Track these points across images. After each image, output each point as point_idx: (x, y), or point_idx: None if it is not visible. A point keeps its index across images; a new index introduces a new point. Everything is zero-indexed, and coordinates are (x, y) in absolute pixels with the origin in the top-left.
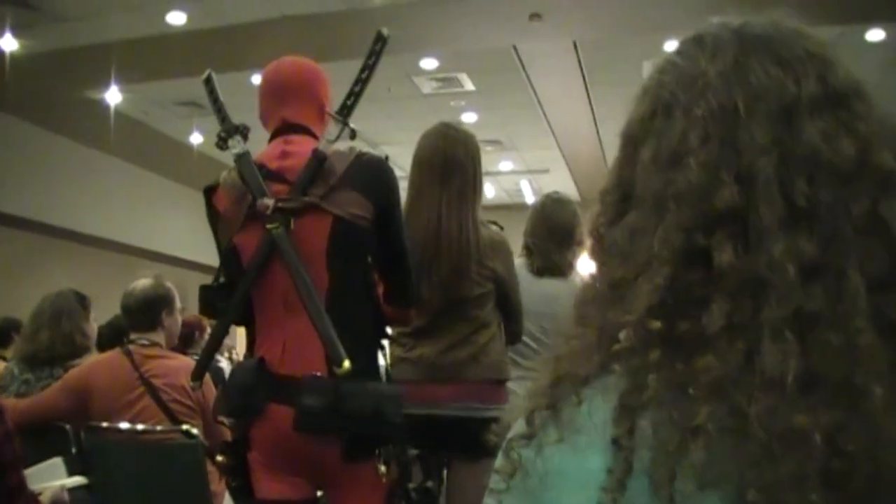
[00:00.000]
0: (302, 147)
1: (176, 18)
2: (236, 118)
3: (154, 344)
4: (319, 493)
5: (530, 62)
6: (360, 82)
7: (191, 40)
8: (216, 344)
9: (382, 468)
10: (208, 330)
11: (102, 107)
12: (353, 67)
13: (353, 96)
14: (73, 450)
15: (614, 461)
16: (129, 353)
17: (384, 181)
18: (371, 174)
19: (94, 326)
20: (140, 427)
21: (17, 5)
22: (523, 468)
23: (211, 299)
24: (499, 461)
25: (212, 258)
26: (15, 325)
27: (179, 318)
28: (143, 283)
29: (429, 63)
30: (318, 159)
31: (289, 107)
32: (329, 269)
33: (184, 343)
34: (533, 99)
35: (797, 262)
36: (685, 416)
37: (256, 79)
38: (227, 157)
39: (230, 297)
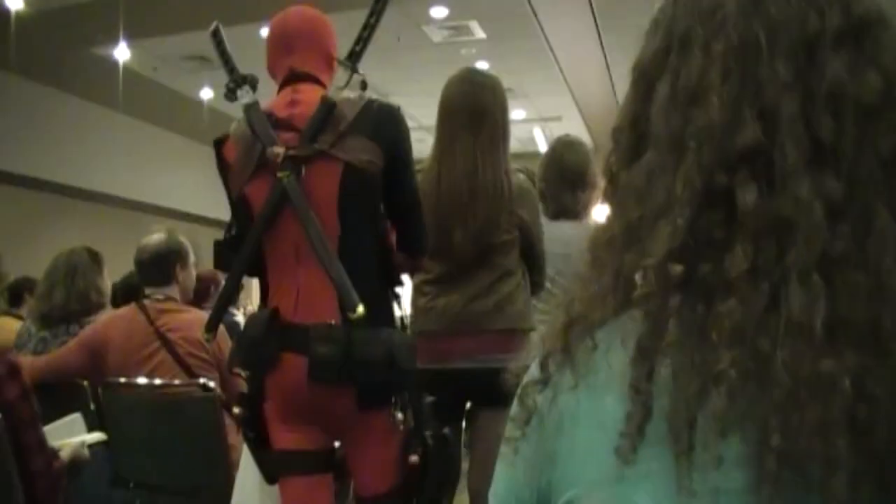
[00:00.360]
0: (310, 95)
1: None
2: (248, 71)
3: (169, 298)
4: (337, 444)
5: (541, 8)
6: (368, 27)
7: None
8: (229, 295)
9: (399, 415)
10: (222, 284)
11: (110, 63)
12: (360, 18)
13: (362, 42)
14: (91, 406)
15: (632, 406)
16: (143, 309)
17: (395, 128)
18: (381, 121)
19: (108, 283)
20: (157, 382)
21: None
22: (539, 414)
23: (225, 253)
24: (514, 408)
25: (223, 213)
26: (28, 285)
27: (194, 272)
28: (155, 237)
29: (438, 11)
30: (328, 106)
31: (296, 56)
32: (340, 216)
33: (199, 298)
34: (544, 46)
35: (824, 201)
36: (707, 361)
37: (266, 31)
38: (239, 111)
39: (241, 248)
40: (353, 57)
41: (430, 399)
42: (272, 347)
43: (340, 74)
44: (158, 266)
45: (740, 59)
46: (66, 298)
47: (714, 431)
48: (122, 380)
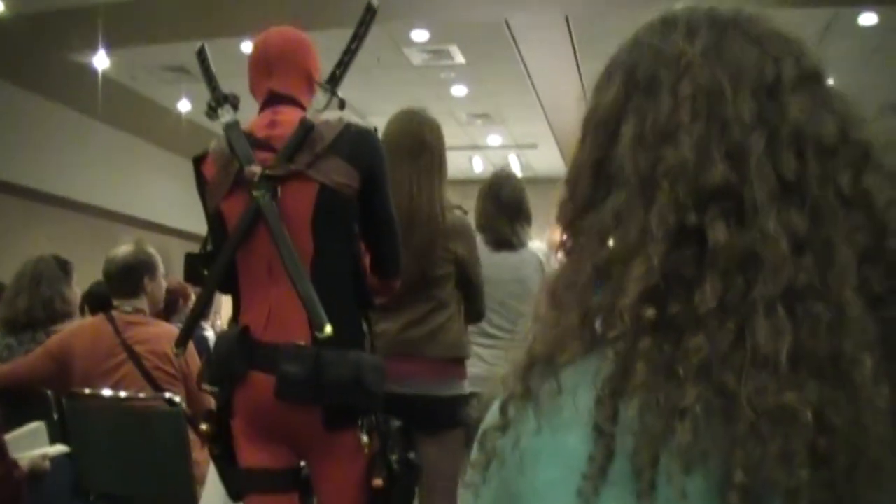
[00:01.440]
0: (290, 116)
1: None
2: (226, 85)
3: (137, 311)
4: (303, 464)
5: (521, 36)
6: (350, 52)
7: (180, 5)
8: (200, 310)
9: (364, 438)
10: (192, 297)
11: (89, 71)
12: (342, 36)
13: (342, 66)
14: (55, 416)
15: (595, 448)
16: (111, 320)
17: (371, 150)
18: (358, 143)
19: (76, 292)
20: (122, 394)
21: None
22: (499, 458)
23: (196, 267)
24: (474, 453)
25: (196, 225)
26: None
27: (164, 284)
28: (124, 249)
29: (419, 35)
30: (306, 127)
31: (276, 78)
32: (314, 236)
33: (168, 310)
34: (523, 73)
35: (789, 235)
36: (672, 398)
37: (246, 46)
38: (215, 125)
39: (214, 263)
40: (334, 80)
41: (397, 423)
42: (241, 365)
43: (320, 96)
44: (127, 278)
45: (706, 101)
46: (29, 305)
47: (678, 467)
48: (87, 391)
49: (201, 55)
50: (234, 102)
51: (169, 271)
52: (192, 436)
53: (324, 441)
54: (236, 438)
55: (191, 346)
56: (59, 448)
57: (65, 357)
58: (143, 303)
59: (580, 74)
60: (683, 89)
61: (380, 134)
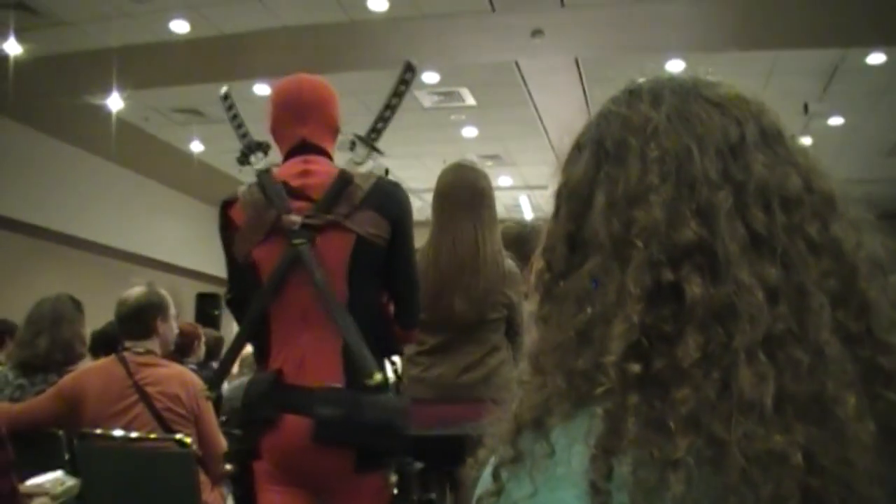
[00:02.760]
0: (321, 167)
1: (179, 27)
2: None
3: (149, 352)
4: None
5: (531, 78)
6: (390, 108)
7: (192, 49)
8: (236, 354)
9: (393, 478)
10: (203, 339)
11: (103, 112)
12: (352, 79)
13: (383, 121)
14: (66, 456)
15: None
16: (123, 361)
17: (400, 204)
18: (389, 197)
19: (87, 331)
20: (133, 435)
21: (20, 9)
22: None
23: (208, 309)
24: None
25: (207, 266)
26: (8, 329)
27: (175, 325)
28: (136, 291)
29: (430, 77)
30: (345, 180)
31: (308, 127)
32: (349, 284)
33: (181, 352)
34: (533, 115)
35: (763, 285)
36: (664, 451)
37: (258, 88)
38: (226, 166)
39: (243, 308)
40: (373, 135)
41: (418, 465)
42: (275, 408)
43: (359, 150)
44: (138, 319)
45: (674, 163)
46: (50, 347)
47: None
48: (98, 431)
49: (227, 100)
50: (265, 150)
51: (180, 311)
52: (201, 477)
53: (351, 482)
54: (258, 480)
55: (201, 387)
56: (68, 484)
57: (76, 398)
58: (154, 344)
59: (590, 116)
60: (651, 153)
61: (390, 175)
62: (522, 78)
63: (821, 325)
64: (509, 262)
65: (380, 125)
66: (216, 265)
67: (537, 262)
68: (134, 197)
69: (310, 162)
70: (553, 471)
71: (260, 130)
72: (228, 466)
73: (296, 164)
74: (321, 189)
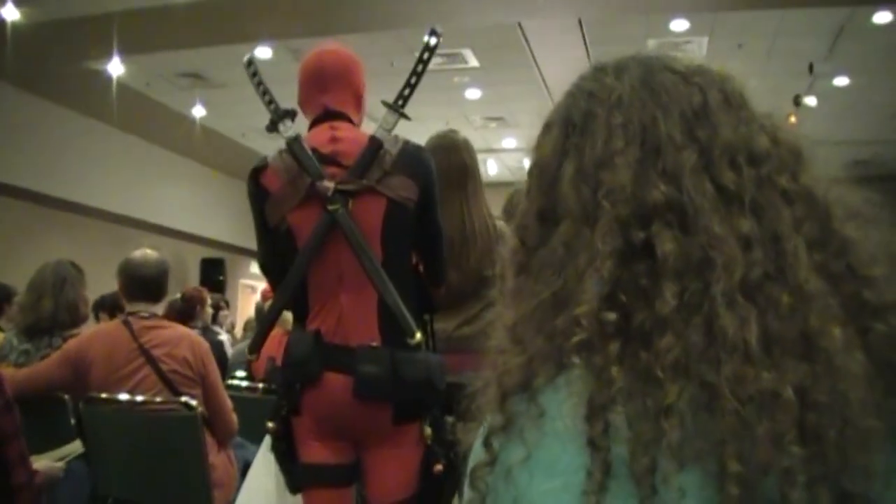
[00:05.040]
0: (348, 133)
1: None
2: (241, 91)
3: (154, 315)
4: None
5: (535, 39)
6: (416, 75)
7: (194, 12)
8: (276, 316)
9: (428, 430)
10: (209, 302)
11: (104, 77)
12: (356, 41)
13: (409, 88)
14: (72, 420)
15: (592, 462)
16: (128, 325)
17: (427, 167)
18: (417, 160)
19: (90, 297)
20: (139, 398)
21: None
22: (493, 493)
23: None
24: (467, 493)
25: (211, 231)
26: (6, 294)
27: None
28: (152, 255)
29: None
30: (376, 146)
31: (330, 95)
32: (383, 246)
33: (186, 316)
34: (537, 76)
35: (736, 234)
36: (656, 400)
37: (259, 51)
38: (229, 131)
39: (283, 272)
40: (401, 101)
41: (451, 418)
42: (316, 366)
43: (388, 116)
44: (158, 284)
45: (639, 128)
46: (54, 308)
47: (672, 466)
48: (104, 395)
49: (251, 66)
50: (293, 117)
51: (183, 276)
52: (208, 439)
53: (389, 434)
54: (299, 436)
55: (207, 348)
56: (73, 448)
57: (82, 362)
58: (160, 308)
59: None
60: (615, 120)
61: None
62: (525, 39)
63: (798, 265)
64: (501, 224)
65: (406, 91)
66: (220, 230)
67: (511, 241)
68: (137, 163)
69: (336, 129)
70: (545, 430)
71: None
72: (270, 424)
73: (323, 130)
74: (352, 155)
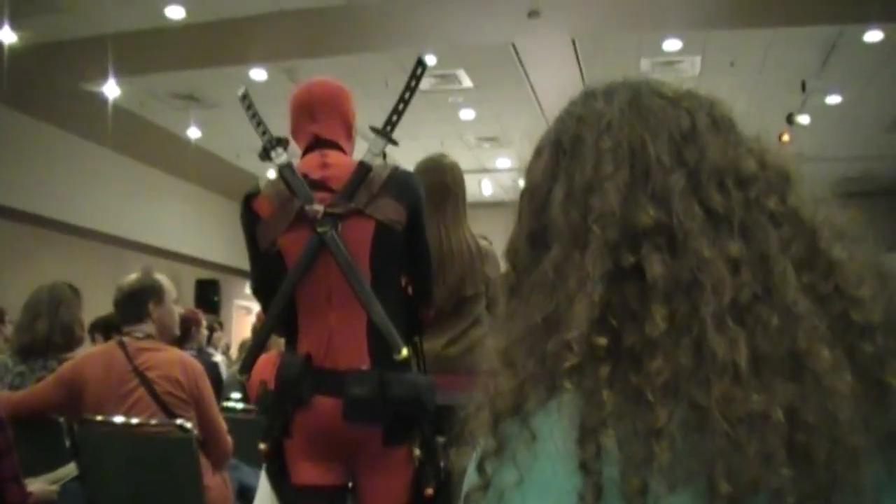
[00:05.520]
0: (338, 160)
1: (174, 12)
2: (235, 112)
3: (148, 336)
4: (350, 485)
5: (528, 58)
6: (403, 102)
7: (189, 34)
8: (266, 338)
9: (417, 451)
10: (204, 324)
11: (99, 99)
12: (350, 62)
13: (397, 114)
14: (67, 442)
15: (584, 485)
16: (123, 346)
17: (415, 191)
18: (405, 184)
19: (86, 318)
20: (134, 420)
21: None
22: None
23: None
24: None
25: (206, 252)
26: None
27: (174, 310)
28: (130, 277)
29: (427, 59)
30: (364, 170)
31: (320, 124)
32: (372, 268)
33: (180, 338)
34: (530, 95)
35: (725, 256)
36: (646, 422)
37: (254, 73)
38: (223, 152)
39: (271, 295)
40: (388, 127)
41: (441, 438)
42: (306, 390)
43: (377, 141)
44: (132, 303)
45: (628, 152)
46: (49, 330)
47: (663, 487)
48: (99, 417)
49: (245, 100)
50: (285, 145)
51: (179, 297)
52: (203, 461)
53: (380, 455)
54: (291, 457)
55: (201, 370)
56: (68, 471)
57: (77, 384)
58: (151, 328)
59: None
60: (604, 144)
61: (388, 158)
62: (519, 58)
63: (786, 287)
64: (483, 243)
65: (394, 118)
66: (215, 251)
67: (502, 266)
68: (132, 184)
69: (326, 156)
70: (537, 454)
71: (265, 114)
72: (262, 445)
73: (314, 157)
74: (341, 179)
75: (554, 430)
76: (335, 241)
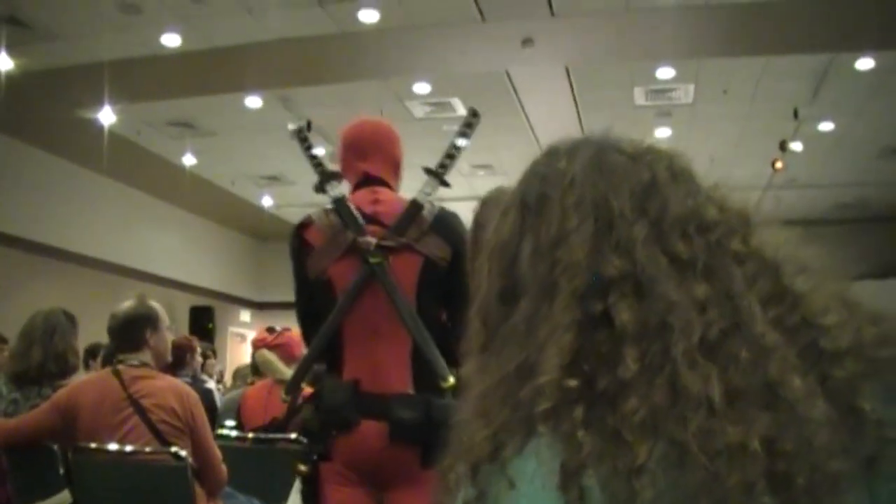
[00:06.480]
0: (388, 196)
1: (170, 40)
2: (231, 139)
3: (143, 364)
4: None
5: (522, 87)
6: (456, 148)
7: (185, 61)
8: (310, 364)
9: None
10: (199, 351)
11: (95, 126)
12: (345, 90)
13: (450, 158)
14: (61, 470)
15: None
16: (117, 374)
17: (460, 231)
18: (451, 225)
19: (81, 345)
20: (128, 448)
21: (11, 24)
22: None
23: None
24: None
25: (200, 279)
26: None
27: (168, 338)
28: (126, 304)
29: (421, 87)
30: (416, 208)
31: (369, 162)
32: (417, 301)
33: (175, 365)
34: (524, 123)
35: (691, 298)
36: (626, 461)
37: (249, 100)
38: (218, 179)
39: (316, 322)
40: (441, 170)
41: None
42: (353, 414)
43: (430, 181)
44: (129, 331)
45: (591, 207)
46: (43, 358)
47: None
48: (93, 445)
49: (300, 133)
50: (339, 179)
51: (174, 324)
52: (197, 490)
53: (417, 477)
54: (325, 480)
55: (196, 398)
56: (62, 498)
57: (71, 411)
58: (147, 356)
59: (581, 124)
60: (569, 200)
61: None
62: (513, 87)
63: (754, 321)
64: None
65: (447, 161)
66: (210, 278)
67: (472, 324)
68: (127, 210)
69: (377, 192)
70: (519, 500)
71: (260, 142)
72: (302, 468)
73: (365, 193)
74: (392, 215)
75: (534, 476)
76: (385, 273)
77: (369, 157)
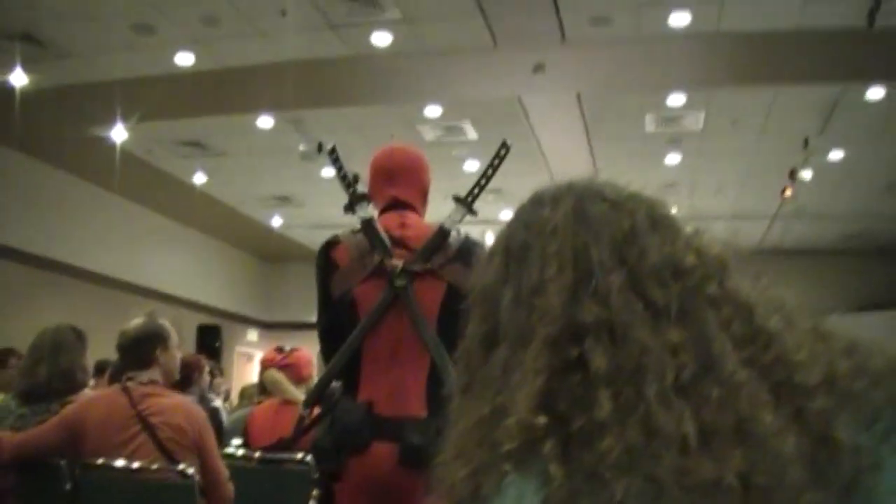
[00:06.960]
0: (415, 221)
1: (184, 59)
2: (242, 160)
3: (152, 382)
4: None
5: (533, 113)
6: (486, 178)
7: (197, 81)
8: (329, 381)
9: None
10: (206, 370)
11: (107, 144)
12: (355, 114)
13: (479, 188)
14: (67, 486)
15: None
16: (126, 391)
17: None
18: (475, 253)
19: (90, 362)
20: (136, 465)
21: (26, 41)
22: None
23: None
24: None
25: (208, 298)
26: (12, 353)
27: (177, 356)
28: (135, 322)
29: (432, 111)
30: (443, 234)
31: (398, 187)
32: (439, 325)
33: (183, 383)
34: (535, 149)
35: (665, 343)
36: (604, 498)
37: (261, 121)
38: (228, 198)
39: (337, 341)
40: (469, 198)
41: None
42: (366, 436)
43: (457, 209)
44: (138, 349)
45: (571, 255)
46: (49, 376)
47: None
48: (101, 461)
49: (332, 154)
50: (368, 200)
51: (182, 343)
52: None
53: (426, 501)
54: (338, 501)
55: (203, 417)
56: None
57: (79, 427)
58: (156, 374)
59: (592, 151)
60: (550, 248)
61: None
62: (525, 112)
63: (725, 361)
64: None
65: (476, 191)
66: (218, 297)
67: (457, 366)
68: (137, 228)
69: (405, 216)
70: None
71: (270, 163)
72: (315, 492)
73: (392, 217)
74: (419, 240)
75: None
76: (409, 296)
77: (398, 181)
